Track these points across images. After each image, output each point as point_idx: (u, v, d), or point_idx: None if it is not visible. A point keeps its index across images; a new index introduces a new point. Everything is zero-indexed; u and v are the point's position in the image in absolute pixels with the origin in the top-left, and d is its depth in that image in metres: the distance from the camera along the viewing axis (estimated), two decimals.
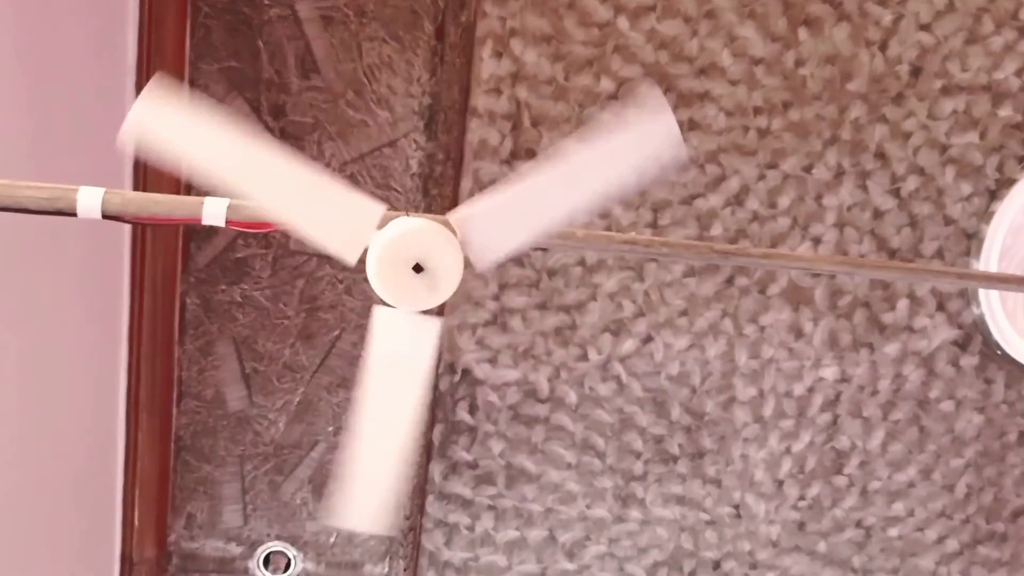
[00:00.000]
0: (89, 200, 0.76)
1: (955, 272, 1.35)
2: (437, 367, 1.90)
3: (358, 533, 1.95)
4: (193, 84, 1.71)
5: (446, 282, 0.78)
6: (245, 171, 0.72)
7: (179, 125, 0.70)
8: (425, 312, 0.80)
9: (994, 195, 1.89)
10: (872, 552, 2.06)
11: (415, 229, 0.77)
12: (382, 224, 0.77)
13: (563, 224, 0.78)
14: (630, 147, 0.74)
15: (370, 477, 0.79)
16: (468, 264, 0.79)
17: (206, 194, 0.80)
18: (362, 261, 0.79)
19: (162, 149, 0.70)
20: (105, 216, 0.76)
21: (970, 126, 1.86)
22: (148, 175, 1.66)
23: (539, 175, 0.76)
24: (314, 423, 1.89)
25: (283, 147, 0.73)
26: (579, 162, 0.75)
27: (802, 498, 2.02)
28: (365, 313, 1.85)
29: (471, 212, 0.78)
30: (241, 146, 0.72)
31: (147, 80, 1.65)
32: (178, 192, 1.69)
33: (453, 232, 0.78)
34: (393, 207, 1.93)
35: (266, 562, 1.92)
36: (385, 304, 0.77)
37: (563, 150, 0.75)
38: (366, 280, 0.80)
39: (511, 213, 0.78)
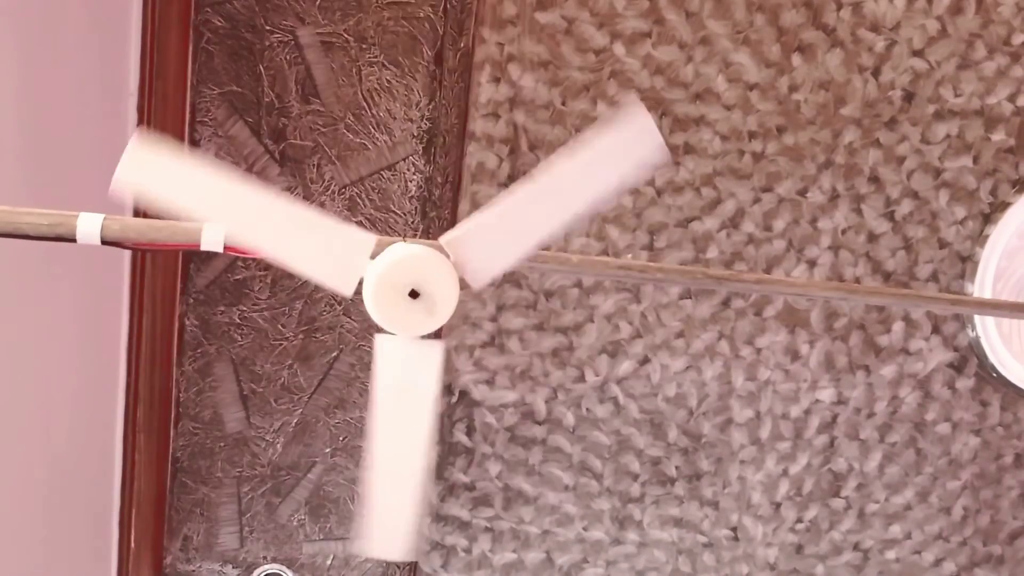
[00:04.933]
0: (88, 226, 0.76)
1: (948, 299, 1.36)
2: None
3: (355, 555, 1.94)
4: (195, 108, 1.73)
5: (442, 306, 0.79)
6: (236, 211, 0.74)
7: (169, 171, 0.71)
8: (424, 336, 0.80)
9: (988, 218, 1.91)
10: (870, 575, 2.06)
11: (409, 256, 0.77)
12: (377, 251, 0.78)
13: (555, 237, 0.79)
14: (614, 154, 0.75)
15: (388, 506, 0.80)
16: (464, 287, 0.80)
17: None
18: (359, 291, 0.79)
19: (154, 196, 0.71)
20: (104, 242, 0.77)
21: (963, 150, 1.88)
22: None
23: (527, 190, 0.78)
24: (312, 444, 1.89)
25: (270, 185, 0.75)
26: (566, 174, 0.77)
27: (800, 520, 2.02)
28: (363, 334, 1.85)
29: (463, 233, 0.79)
30: (229, 187, 0.73)
31: (150, 104, 1.67)
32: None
33: (447, 255, 0.79)
34: (392, 229, 1.94)
35: None
36: (385, 332, 0.78)
37: (549, 165, 0.76)
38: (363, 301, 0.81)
39: (503, 230, 0.79)
